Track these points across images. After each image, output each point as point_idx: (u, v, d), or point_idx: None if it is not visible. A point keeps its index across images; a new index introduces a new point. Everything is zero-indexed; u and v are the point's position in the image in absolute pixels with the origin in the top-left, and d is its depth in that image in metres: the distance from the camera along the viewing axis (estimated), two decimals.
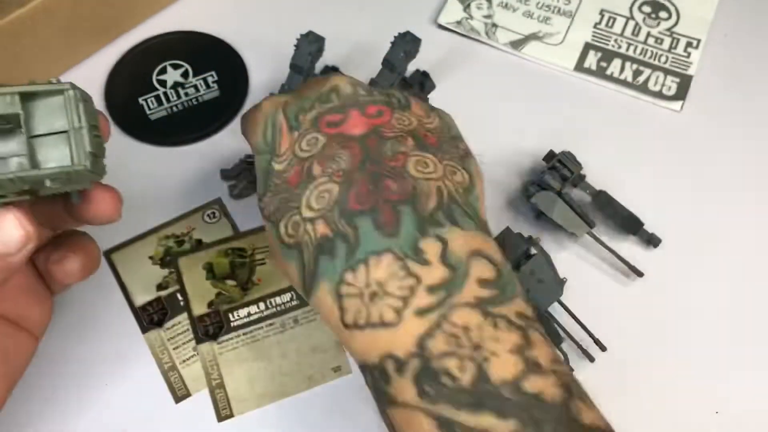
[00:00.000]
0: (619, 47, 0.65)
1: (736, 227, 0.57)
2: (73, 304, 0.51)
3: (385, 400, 0.34)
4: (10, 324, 0.41)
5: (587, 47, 0.65)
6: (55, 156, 0.33)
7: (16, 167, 0.32)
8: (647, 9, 0.67)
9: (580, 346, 0.50)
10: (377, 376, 0.34)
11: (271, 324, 0.52)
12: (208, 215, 0.57)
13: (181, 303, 0.53)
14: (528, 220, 0.56)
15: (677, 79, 0.63)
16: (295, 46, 0.55)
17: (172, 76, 0.62)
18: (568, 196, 0.54)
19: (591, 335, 0.51)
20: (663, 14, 0.67)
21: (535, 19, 0.66)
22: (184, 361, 0.51)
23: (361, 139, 0.38)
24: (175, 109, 0.61)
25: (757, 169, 0.59)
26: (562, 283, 0.50)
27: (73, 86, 0.34)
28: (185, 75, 0.62)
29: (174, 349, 0.51)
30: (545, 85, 0.63)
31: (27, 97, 0.33)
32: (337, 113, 0.40)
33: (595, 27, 0.66)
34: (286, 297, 0.53)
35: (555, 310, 0.51)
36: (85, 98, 0.35)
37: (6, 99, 0.32)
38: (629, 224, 0.55)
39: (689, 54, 0.64)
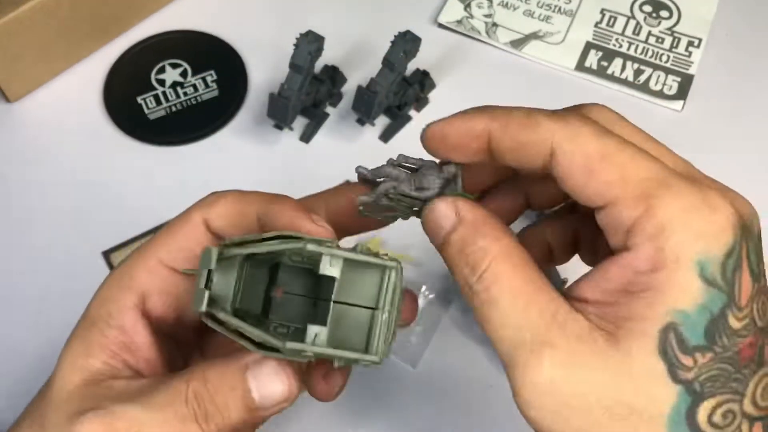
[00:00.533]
0: (620, 46, 0.64)
1: None
2: (71, 304, 0.50)
3: None
4: None
5: (588, 46, 0.64)
6: (352, 336, 0.31)
7: (313, 340, 0.30)
8: (648, 8, 0.67)
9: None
10: None
11: None
12: None
13: None
14: (530, 217, 0.56)
15: (678, 79, 0.63)
16: (295, 45, 0.55)
17: (171, 75, 0.62)
18: None
19: None
20: (664, 13, 0.66)
21: (536, 18, 0.66)
22: None
23: None
24: (173, 108, 0.61)
25: (758, 168, 0.59)
26: (563, 283, 0.50)
27: (398, 266, 0.31)
28: (184, 74, 0.62)
29: None
30: (546, 84, 0.63)
31: (349, 264, 0.31)
32: None
33: (595, 26, 0.65)
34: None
35: None
36: (401, 279, 0.32)
37: (328, 260, 0.30)
38: None
39: (690, 53, 0.64)
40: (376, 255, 0.31)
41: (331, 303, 0.30)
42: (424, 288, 0.53)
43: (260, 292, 0.32)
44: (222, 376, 0.31)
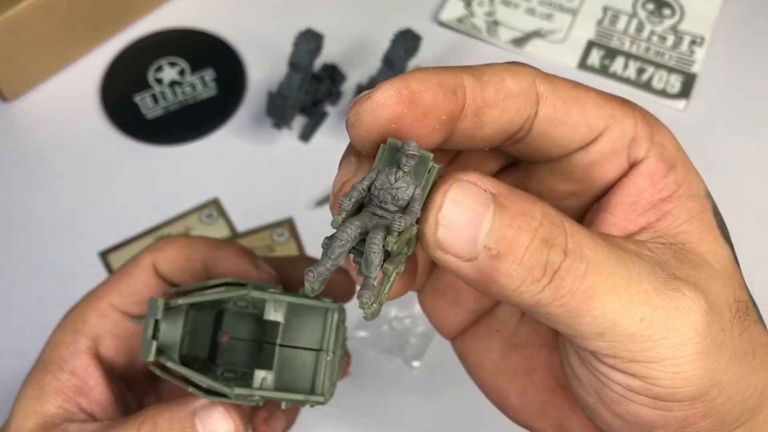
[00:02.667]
0: (623, 45, 0.64)
1: (739, 226, 0.56)
2: (68, 304, 0.50)
3: None
4: None
5: (590, 45, 0.64)
6: (298, 378, 0.31)
7: (260, 384, 0.31)
8: (651, 6, 0.66)
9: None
10: None
11: None
12: (206, 215, 0.56)
13: None
14: None
15: (681, 77, 0.62)
16: (294, 43, 0.54)
17: (169, 74, 0.62)
18: None
19: None
20: (667, 12, 0.66)
21: (538, 17, 0.65)
22: None
23: None
24: (171, 107, 0.60)
25: (761, 167, 0.59)
26: None
27: (340, 308, 0.32)
28: (182, 73, 0.62)
29: None
30: None
31: (293, 308, 0.31)
32: None
33: (598, 24, 0.65)
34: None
35: None
36: (343, 319, 0.32)
37: (272, 306, 0.31)
38: None
39: (693, 52, 0.64)
40: (317, 298, 0.31)
41: (277, 347, 0.31)
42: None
43: (207, 337, 0.33)
44: (171, 420, 0.31)
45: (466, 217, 0.22)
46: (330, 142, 0.60)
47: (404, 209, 0.23)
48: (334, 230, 0.22)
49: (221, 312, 0.33)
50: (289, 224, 0.56)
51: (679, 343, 0.23)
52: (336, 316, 0.31)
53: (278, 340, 0.31)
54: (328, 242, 0.22)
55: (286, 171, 0.58)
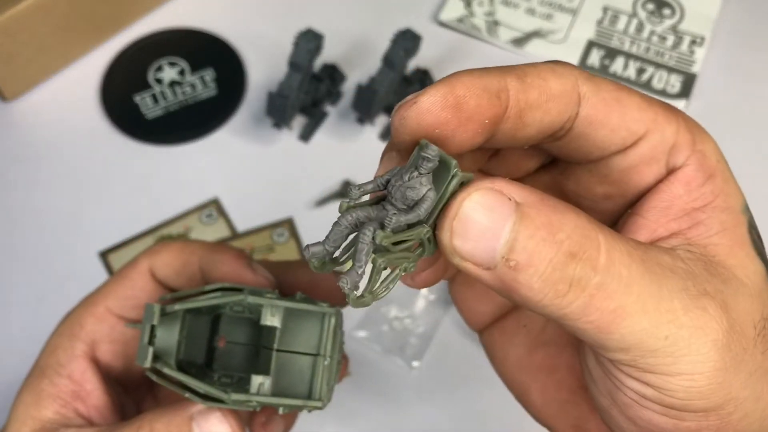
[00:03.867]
0: (623, 45, 0.64)
1: None
2: (68, 304, 0.50)
3: None
4: None
5: (590, 45, 0.64)
6: (295, 383, 0.31)
7: (257, 389, 0.30)
8: (651, 6, 0.66)
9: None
10: None
11: None
12: (206, 215, 0.56)
13: None
14: None
15: (681, 77, 0.62)
16: (294, 43, 0.54)
17: (169, 74, 0.62)
18: None
19: None
20: (667, 12, 0.66)
21: (538, 17, 0.65)
22: None
23: None
24: (171, 107, 0.60)
25: (762, 167, 0.59)
26: None
27: (337, 312, 0.31)
28: (182, 73, 0.62)
29: None
30: None
31: (290, 312, 0.31)
32: None
33: (598, 24, 0.65)
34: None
35: None
36: (341, 324, 0.32)
37: (269, 311, 0.31)
38: None
39: (693, 52, 0.63)
40: (314, 302, 0.31)
41: (274, 352, 0.31)
42: (424, 289, 0.53)
43: (203, 342, 0.33)
44: (168, 425, 0.31)
45: (483, 226, 0.22)
46: (330, 142, 0.60)
47: (410, 208, 0.23)
48: None
49: (218, 317, 0.33)
50: (289, 224, 0.55)
51: (698, 360, 0.23)
52: (333, 320, 0.31)
53: (275, 345, 0.31)
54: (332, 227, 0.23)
55: (286, 171, 0.58)
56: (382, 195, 0.24)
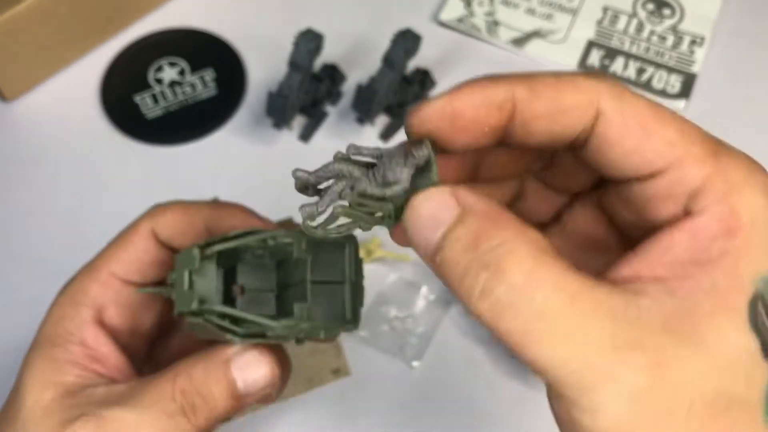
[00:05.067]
0: (623, 45, 0.64)
1: None
2: None
3: None
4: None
5: (590, 45, 0.64)
6: (329, 309, 0.33)
7: (302, 314, 0.31)
8: (651, 6, 0.66)
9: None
10: None
11: None
12: None
13: None
14: None
15: (681, 78, 0.62)
16: (294, 43, 0.54)
17: (169, 74, 0.62)
18: None
19: None
20: (666, 12, 0.66)
21: (538, 17, 0.65)
22: None
23: None
24: (171, 107, 0.60)
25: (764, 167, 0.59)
26: None
27: (355, 239, 0.33)
28: (182, 73, 0.62)
29: None
30: None
31: (313, 246, 0.32)
32: None
33: (598, 24, 0.65)
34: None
35: None
36: (358, 251, 0.33)
37: (298, 246, 0.32)
38: None
39: (693, 52, 0.64)
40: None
41: (308, 283, 0.32)
42: (424, 288, 0.53)
43: (215, 286, 0.33)
44: (206, 370, 0.31)
45: (425, 221, 0.25)
46: (330, 142, 0.60)
47: (382, 185, 0.26)
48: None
49: (231, 268, 0.33)
50: (289, 224, 0.55)
51: (601, 405, 0.23)
52: (353, 247, 0.33)
53: (308, 277, 0.32)
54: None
55: (286, 171, 0.58)
56: (372, 162, 0.27)
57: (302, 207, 0.26)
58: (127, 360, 0.34)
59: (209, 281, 0.32)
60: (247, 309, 0.33)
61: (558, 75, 0.25)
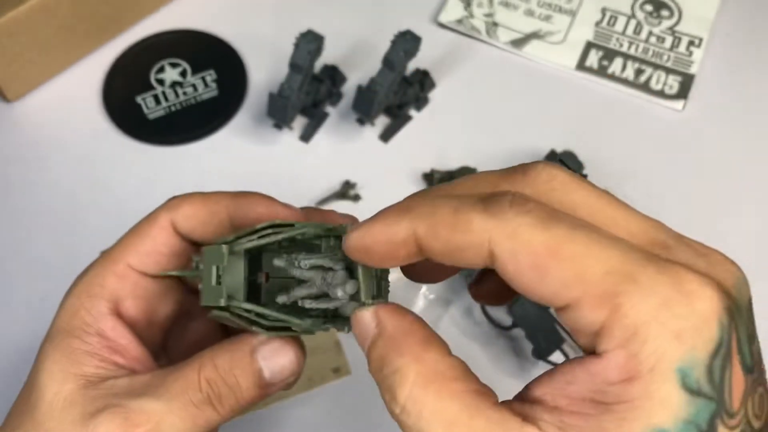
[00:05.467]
0: (621, 46, 0.64)
1: (737, 226, 0.57)
2: None
3: None
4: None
5: (589, 46, 0.64)
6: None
7: (342, 293, 0.31)
8: (649, 7, 0.66)
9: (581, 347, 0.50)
10: None
11: None
12: None
13: None
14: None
15: (679, 78, 0.63)
16: (295, 44, 0.55)
17: (171, 75, 0.62)
18: None
19: None
20: (665, 13, 0.66)
21: (537, 18, 0.66)
22: None
23: None
24: (173, 108, 0.61)
25: (759, 168, 0.59)
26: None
27: None
28: (183, 74, 0.62)
29: None
30: (546, 84, 0.63)
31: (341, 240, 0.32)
32: None
33: (596, 25, 0.65)
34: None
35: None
36: None
37: (329, 241, 0.32)
38: None
39: (691, 53, 0.64)
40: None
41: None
42: (424, 288, 0.53)
43: (242, 282, 0.33)
44: (231, 359, 0.32)
45: (360, 334, 0.29)
46: (330, 143, 0.60)
47: (319, 298, 0.31)
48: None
49: (255, 256, 0.33)
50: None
51: None
52: None
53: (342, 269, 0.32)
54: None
55: (287, 171, 0.59)
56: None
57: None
58: (146, 351, 0.34)
59: (237, 276, 0.32)
60: (271, 295, 0.33)
61: (457, 208, 0.25)
